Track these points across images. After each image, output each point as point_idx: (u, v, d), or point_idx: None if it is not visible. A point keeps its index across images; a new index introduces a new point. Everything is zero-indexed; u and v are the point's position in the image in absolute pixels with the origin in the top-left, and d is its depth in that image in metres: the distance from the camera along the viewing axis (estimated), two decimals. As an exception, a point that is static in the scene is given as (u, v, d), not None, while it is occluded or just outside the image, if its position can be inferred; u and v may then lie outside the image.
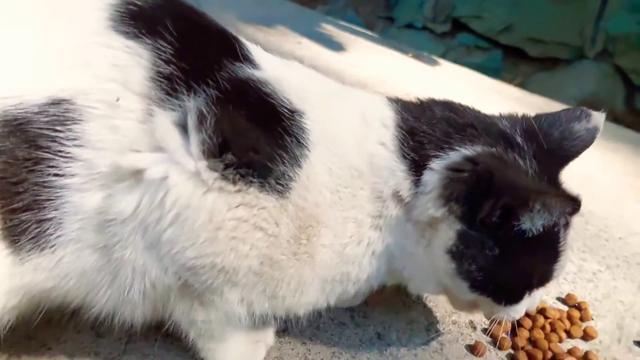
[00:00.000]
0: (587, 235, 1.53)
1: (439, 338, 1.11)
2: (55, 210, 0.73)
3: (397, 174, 0.87)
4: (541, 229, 0.84)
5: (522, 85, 4.12)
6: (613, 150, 2.17)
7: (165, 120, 0.76)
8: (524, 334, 1.13)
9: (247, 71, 0.83)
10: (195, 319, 0.88)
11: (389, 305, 1.15)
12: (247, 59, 0.85)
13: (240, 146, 0.76)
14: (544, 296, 1.26)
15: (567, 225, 0.90)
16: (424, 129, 0.89)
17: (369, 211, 0.87)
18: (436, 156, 0.87)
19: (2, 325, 0.81)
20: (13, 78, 0.73)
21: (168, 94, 0.77)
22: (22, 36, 0.75)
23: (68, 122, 0.73)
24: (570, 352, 1.11)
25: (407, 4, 4.90)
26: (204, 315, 0.87)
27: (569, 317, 1.20)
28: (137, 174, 0.75)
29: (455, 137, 0.88)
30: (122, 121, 0.75)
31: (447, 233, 0.87)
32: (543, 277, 0.93)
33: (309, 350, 1.03)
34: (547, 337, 1.13)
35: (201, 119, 0.75)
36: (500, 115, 0.97)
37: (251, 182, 0.77)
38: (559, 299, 1.28)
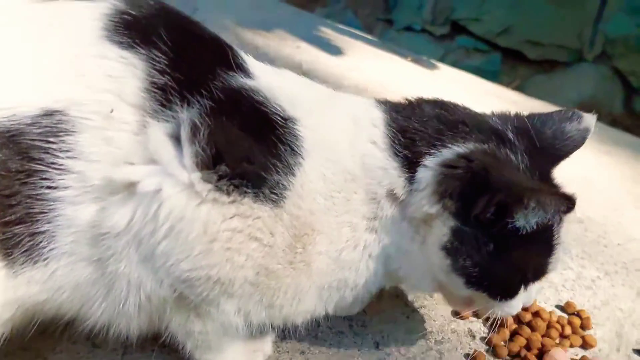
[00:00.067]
0: (585, 241, 1.52)
1: (438, 347, 1.10)
2: (49, 223, 0.73)
3: (390, 172, 0.87)
4: (535, 227, 0.84)
5: (521, 87, 4.13)
6: (610, 154, 2.17)
7: (158, 132, 0.75)
8: (520, 341, 1.13)
9: (240, 80, 0.82)
10: (192, 330, 0.87)
11: (387, 314, 1.15)
12: (240, 68, 0.85)
13: (233, 157, 0.76)
14: (543, 304, 1.26)
15: (561, 220, 0.91)
16: (414, 126, 0.90)
17: (364, 214, 0.87)
18: (429, 153, 0.87)
19: None
20: (6, 89, 0.72)
21: (162, 104, 0.76)
22: (15, 47, 0.75)
23: (61, 134, 0.72)
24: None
25: (406, 7, 4.90)
26: (201, 326, 0.87)
27: (570, 324, 1.19)
28: (130, 187, 0.75)
29: (447, 134, 0.88)
30: (116, 133, 0.74)
31: (441, 229, 0.87)
32: (538, 271, 0.93)
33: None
34: (542, 342, 1.13)
35: (194, 130, 0.74)
36: (492, 113, 0.98)
37: (245, 192, 0.77)
38: (558, 306, 1.27)
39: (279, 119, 0.81)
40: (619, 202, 1.80)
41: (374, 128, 0.90)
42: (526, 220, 0.82)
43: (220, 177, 0.75)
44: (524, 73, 4.43)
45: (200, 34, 0.87)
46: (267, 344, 1.01)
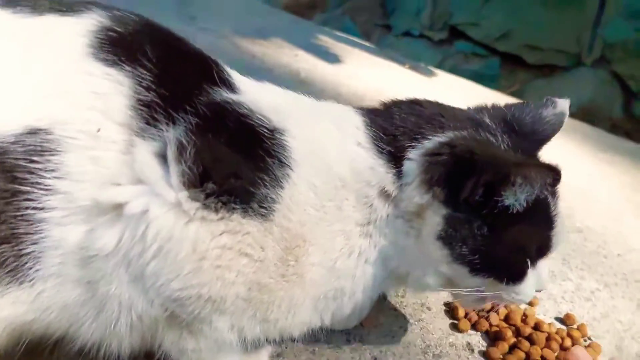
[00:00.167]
0: (585, 252, 1.52)
1: (436, 361, 1.10)
2: (34, 244, 0.71)
3: (377, 170, 0.87)
4: (525, 204, 0.84)
5: (520, 92, 4.13)
6: (610, 163, 2.16)
7: (144, 152, 0.74)
8: (519, 355, 1.12)
9: (224, 95, 0.82)
10: (185, 348, 0.87)
11: (385, 327, 1.14)
12: (225, 83, 0.84)
13: (220, 174, 0.75)
14: (542, 316, 1.25)
15: (554, 193, 0.91)
16: (393, 123, 0.91)
17: (357, 220, 0.87)
18: (412, 146, 0.88)
19: None
20: None
21: (147, 122, 0.75)
22: None
23: (46, 153, 0.71)
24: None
25: (404, 12, 4.91)
26: (194, 343, 0.86)
27: (569, 336, 1.18)
28: (117, 208, 0.74)
29: (426, 127, 0.90)
30: (103, 152, 0.73)
31: (434, 219, 0.86)
32: (542, 245, 0.92)
33: (304, 375, 1.02)
34: (542, 355, 1.12)
35: (181, 150, 0.74)
36: (470, 107, 1.00)
37: (233, 208, 0.76)
38: (557, 318, 1.27)
39: (266, 130, 0.81)
40: (619, 211, 1.79)
41: (356, 130, 0.90)
42: (515, 197, 0.83)
43: (208, 195, 0.75)
44: (523, 78, 4.43)
45: (186, 49, 0.86)
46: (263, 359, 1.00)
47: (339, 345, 1.08)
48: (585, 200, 1.77)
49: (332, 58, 2.65)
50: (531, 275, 0.92)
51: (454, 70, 3.81)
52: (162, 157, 0.75)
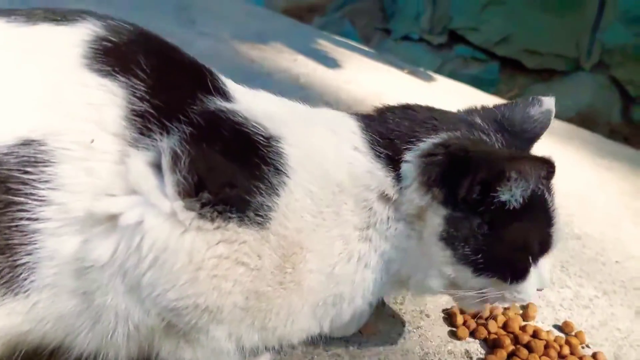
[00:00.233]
0: (584, 258, 1.52)
1: (435, 369, 1.10)
2: (29, 255, 0.71)
3: (376, 174, 0.87)
4: (521, 199, 0.85)
5: (519, 96, 4.13)
6: (608, 169, 2.16)
7: (138, 162, 0.74)
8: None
9: (219, 104, 0.82)
10: (183, 358, 0.86)
11: (383, 335, 1.14)
12: (219, 92, 0.84)
13: (216, 183, 0.75)
14: (541, 324, 1.25)
15: (550, 189, 0.92)
16: (388, 127, 0.91)
17: (355, 224, 0.87)
18: (407, 149, 0.88)
19: None
20: None
21: (142, 133, 0.75)
22: None
23: (39, 164, 0.70)
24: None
25: (403, 16, 4.92)
26: (191, 353, 0.86)
27: (568, 344, 1.18)
28: (112, 219, 0.73)
29: (420, 130, 0.91)
30: (97, 163, 0.73)
31: (435, 220, 0.87)
32: (542, 242, 0.92)
33: (303, 383, 1.02)
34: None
35: (175, 159, 0.73)
36: (461, 109, 1.02)
37: (229, 217, 0.76)
38: (555, 326, 1.27)
39: (261, 138, 0.81)
40: (618, 218, 1.79)
41: (353, 135, 0.91)
42: (511, 193, 0.84)
43: (204, 205, 0.74)
44: (522, 82, 4.44)
45: (180, 59, 0.86)
46: (263, 367, 1.00)
47: (337, 353, 1.08)
48: (584, 207, 1.77)
49: (331, 63, 2.65)
50: (533, 273, 0.93)
51: (454, 74, 3.82)
52: (157, 167, 0.75)
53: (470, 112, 1.00)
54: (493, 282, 0.91)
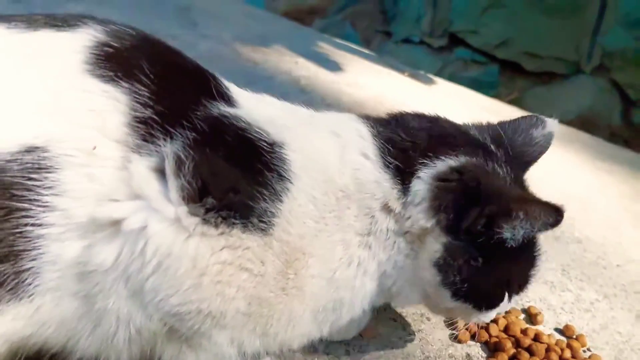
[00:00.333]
0: (585, 262, 1.52)
1: (436, 372, 1.10)
2: (33, 260, 0.71)
3: (383, 184, 0.87)
4: (521, 240, 0.85)
5: (519, 99, 4.14)
6: (609, 172, 2.16)
7: (142, 167, 0.74)
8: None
9: (222, 109, 0.82)
10: None
11: (384, 338, 1.14)
12: (223, 97, 0.84)
13: (220, 188, 0.75)
14: (542, 327, 1.25)
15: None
16: (402, 137, 0.90)
17: (357, 230, 0.87)
18: (424, 164, 0.87)
19: None
20: None
21: (145, 139, 0.75)
22: None
23: (42, 170, 0.71)
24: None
25: (404, 19, 4.92)
26: (193, 358, 0.86)
27: (569, 347, 1.18)
28: (115, 224, 0.73)
29: (439, 147, 0.89)
30: (100, 169, 0.73)
31: (434, 246, 0.87)
32: (522, 284, 0.96)
33: (304, 386, 1.02)
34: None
35: (179, 164, 0.73)
36: (471, 124, 1.00)
37: (233, 223, 0.76)
38: (556, 329, 1.27)
39: (265, 144, 0.81)
40: (618, 221, 1.79)
41: (362, 140, 0.90)
42: (514, 232, 0.84)
43: (208, 210, 0.74)
44: (522, 85, 4.44)
45: (182, 63, 0.86)
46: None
47: (338, 356, 1.08)
48: (584, 210, 1.77)
49: (332, 65, 2.65)
50: (502, 304, 0.96)
51: (454, 77, 3.82)
52: (160, 173, 0.75)
53: (483, 132, 0.97)
54: (466, 307, 0.94)
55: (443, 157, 0.88)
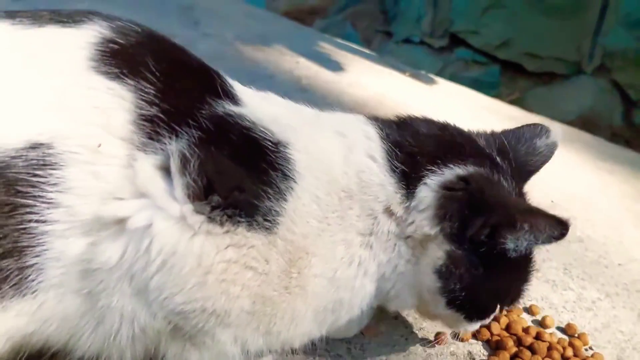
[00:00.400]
0: (586, 261, 1.51)
1: (437, 371, 1.09)
2: (37, 256, 0.71)
3: (387, 188, 0.87)
4: (524, 251, 0.86)
5: (520, 99, 4.14)
6: (610, 172, 2.16)
7: (147, 165, 0.74)
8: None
9: (227, 107, 0.82)
10: None
11: (385, 336, 1.13)
12: (228, 95, 0.84)
13: (225, 186, 0.75)
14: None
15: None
16: (411, 141, 0.90)
17: (359, 230, 0.87)
18: (432, 171, 0.87)
19: None
20: None
21: (150, 137, 0.75)
22: None
23: (47, 167, 0.70)
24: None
25: (405, 19, 4.92)
26: (197, 356, 0.85)
27: (571, 346, 1.18)
28: (120, 222, 0.73)
29: (447, 155, 0.89)
30: (104, 167, 0.73)
31: (437, 253, 0.88)
32: (515, 297, 0.97)
33: (305, 384, 1.02)
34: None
35: (184, 162, 0.73)
36: (477, 133, 1.00)
37: (239, 222, 0.76)
38: (558, 328, 1.26)
39: (269, 144, 0.81)
40: (620, 220, 1.79)
41: (369, 142, 0.90)
42: (517, 243, 0.84)
43: (213, 208, 0.74)
44: (523, 85, 4.44)
45: (188, 61, 0.86)
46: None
47: (339, 354, 1.08)
48: (586, 210, 1.77)
49: (333, 65, 2.65)
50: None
51: (454, 77, 3.82)
52: (165, 171, 0.75)
53: (489, 142, 0.97)
54: (457, 316, 0.95)
55: (451, 165, 0.88)
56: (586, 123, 3.79)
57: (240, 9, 3.37)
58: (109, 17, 0.83)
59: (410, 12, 4.89)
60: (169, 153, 0.74)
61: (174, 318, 0.78)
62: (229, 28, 2.81)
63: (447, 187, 0.86)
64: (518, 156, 0.97)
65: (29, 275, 0.72)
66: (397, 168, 0.88)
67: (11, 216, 0.70)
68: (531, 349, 1.15)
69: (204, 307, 0.77)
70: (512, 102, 3.54)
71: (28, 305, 0.74)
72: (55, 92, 0.73)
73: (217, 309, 0.77)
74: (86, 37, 0.78)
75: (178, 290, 0.75)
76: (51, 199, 0.71)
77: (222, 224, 0.75)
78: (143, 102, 0.76)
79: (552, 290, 1.37)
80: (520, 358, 1.13)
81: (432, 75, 2.98)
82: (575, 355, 1.16)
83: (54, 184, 0.71)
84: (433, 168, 0.87)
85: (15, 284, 0.71)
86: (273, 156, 0.80)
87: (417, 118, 0.98)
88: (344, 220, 0.85)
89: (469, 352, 1.14)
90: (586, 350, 1.21)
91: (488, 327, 1.18)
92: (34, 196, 0.70)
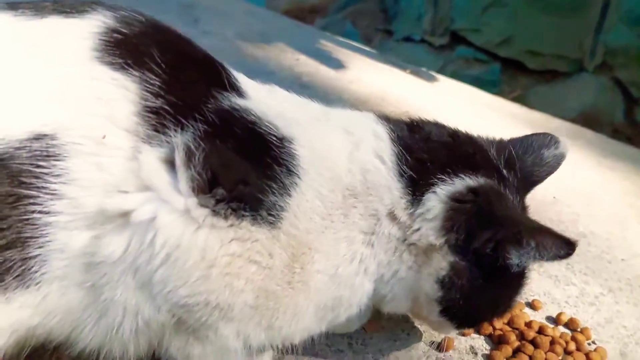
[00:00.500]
0: (589, 257, 1.51)
1: (439, 365, 1.09)
2: (40, 247, 0.71)
3: (393, 192, 0.86)
4: (523, 266, 0.87)
5: (522, 97, 4.12)
6: (612, 168, 2.15)
7: (151, 158, 0.74)
8: (523, 358, 1.11)
9: (233, 100, 0.81)
10: (192, 354, 0.86)
11: (387, 331, 1.13)
12: (234, 88, 0.83)
13: (229, 180, 0.75)
14: (546, 320, 1.24)
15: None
16: (421, 147, 0.90)
17: (361, 228, 0.86)
18: (442, 180, 0.87)
19: None
20: None
21: (156, 129, 0.75)
22: (1, 68, 0.72)
23: (50, 158, 0.70)
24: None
25: (405, 17, 4.91)
26: (200, 349, 0.85)
27: (574, 340, 1.17)
28: (124, 215, 0.73)
29: (458, 164, 0.89)
30: (109, 159, 0.72)
31: (441, 263, 0.87)
32: (507, 308, 0.99)
33: (307, 378, 1.01)
34: (547, 358, 1.12)
35: (189, 155, 0.73)
36: (488, 140, 0.99)
37: (243, 215, 0.75)
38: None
39: (274, 139, 0.80)
40: (622, 217, 1.78)
41: (379, 142, 0.89)
42: (521, 259, 0.84)
43: (218, 201, 0.74)
44: (525, 83, 4.43)
45: (193, 52, 0.86)
46: (267, 363, 1.00)
47: (341, 349, 1.08)
48: (588, 206, 1.76)
49: (333, 63, 2.64)
50: None
51: (455, 75, 3.81)
52: (169, 164, 0.74)
53: (498, 152, 0.96)
54: (449, 323, 0.95)
55: (462, 176, 0.87)
56: (588, 121, 3.78)
57: (240, 7, 3.37)
58: (113, 7, 0.83)
59: (410, 11, 4.89)
60: (174, 146, 0.74)
61: (178, 311, 0.78)
62: (229, 26, 2.80)
63: (456, 199, 0.86)
64: (524, 166, 0.97)
65: (32, 267, 0.71)
66: (405, 173, 0.87)
67: (15, 207, 0.69)
68: (534, 343, 1.14)
69: (207, 300, 0.76)
70: (514, 101, 3.53)
71: (32, 298, 0.73)
72: (59, 82, 0.73)
73: (220, 303, 0.77)
74: (90, 27, 0.78)
75: (182, 283, 0.75)
76: (55, 190, 0.70)
77: (226, 218, 0.75)
78: (148, 94, 0.75)
79: (554, 285, 1.37)
80: (523, 352, 1.12)
81: (433, 73, 2.98)
82: (578, 349, 1.16)
83: (58, 175, 0.70)
84: (443, 177, 0.87)
85: (18, 275, 0.71)
86: (278, 151, 0.79)
87: (428, 122, 0.97)
88: (348, 218, 0.85)
89: (471, 347, 1.14)
90: (589, 344, 1.20)
91: (491, 321, 1.17)
92: (38, 187, 0.70)
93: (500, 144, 0.99)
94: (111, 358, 0.83)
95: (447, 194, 0.86)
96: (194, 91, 0.79)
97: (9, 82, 0.72)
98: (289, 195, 0.79)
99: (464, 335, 1.15)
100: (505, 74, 4.47)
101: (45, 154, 0.70)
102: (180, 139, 0.74)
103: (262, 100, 0.86)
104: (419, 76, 2.82)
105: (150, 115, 0.75)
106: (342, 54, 2.84)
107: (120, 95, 0.74)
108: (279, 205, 0.78)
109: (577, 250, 1.23)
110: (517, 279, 0.93)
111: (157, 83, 0.76)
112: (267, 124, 0.80)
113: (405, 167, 0.87)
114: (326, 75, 2.45)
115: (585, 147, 2.28)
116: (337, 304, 0.88)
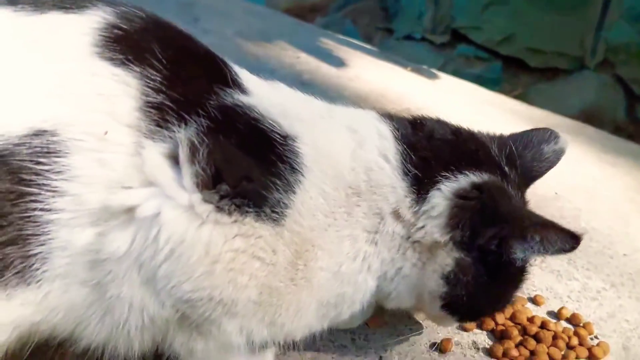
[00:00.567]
0: (591, 252, 1.51)
1: (442, 360, 1.09)
2: (42, 245, 0.70)
3: (398, 191, 0.86)
4: (527, 260, 0.87)
5: (523, 95, 4.12)
6: (613, 164, 2.15)
7: (154, 154, 0.73)
8: (524, 353, 1.11)
9: (236, 97, 0.81)
10: (195, 349, 0.86)
11: (390, 327, 1.14)
12: (236, 84, 0.83)
13: (233, 176, 0.75)
14: (548, 315, 1.24)
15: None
16: (425, 145, 0.90)
17: (365, 226, 0.86)
18: (446, 177, 0.87)
19: None
20: None
21: (158, 125, 0.74)
22: (1, 64, 0.72)
23: (51, 155, 0.69)
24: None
25: (406, 15, 4.91)
26: (203, 344, 0.85)
27: (576, 335, 1.17)
28: (129, 211, 0.73)
29: (462, 161, 0.89)
30: (111, 155, 0.72)
31: (446, 260, 0.88)
32: (507, 303, 0.99)
33: (310, 374, 1.01)
34: (549, 353, 1.12)
35: (193, 150, 0.73)
36: (489, 136, 0.99)
37: (247, 212, 0.75)
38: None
39: (278, 136, 0.80)
40: (624, 212, 1.78)
41: (383, 140, 0.89)
42: (525, 253, 0.84)
43: (222, 197, 0.74)
44: (526, 81, 4.42)
45: (194, 48, 0.85)
46: (269, 358, 0.99)
47: (344, 345, 1.08)
48: (590, 201, 1.76)
49: (334, 60, 2.64)
50: None
51: (456, 73, 3.80)
52: (173, 159, 0.74)
53: (500, 148, 0.96)
54: (450, 317, 0.96)
55: (466, 172, 0.88)
56: (589, 118, 3.77)
57: (240, 6, 3.37)
58: (113, 3, 0.82)
59: (411, 9, 4.88)
60: (178, 141, 0.74)
61: (182, 306, 0.78)
62: (229, 24, 2.81)
63: (461, 196, 0.86)
64: (524, 162, 0.97)
65: (33, 264, 0.71)
66: (410, 172, 0.87)
67: (15, 204, 0.69)
68: (536, 338, 1.14)
69: (211, 296, 0.76)
70: (515, 98, 3.53)
71: (33, 295, 0.73)
72: (59, 78, 0.72)
73: (224, 298, 0.77)
74: (90, 22, 0.78)
75: (186, 279, 0.75)
76: (56, 187, 0.70)
77: (230, 214, 0.75)
78: (149, 89, 0.75)
79: (557, 280, 1.37)
80: (525, 347, 1.12)
81: (434, 70, 2.98)
82: (580, 344, 1.16)
83: (59, 172, 0.70)
84: (447, 174, 0.87)
85: (18, 272, 0.70)
86: (281, 149, 0.79)
87: (430, 119, 0.97)
88: (351, 217, 0.85)
89: (474, 342, 1.14)
90: (591, 339, 1.20)
91: (492, 316, 1.17)
92: (39, 184, 0.69)
93: (501, 140, 0.99)
94: (115, 354, 0.83)
95: (451, 191, 0.86)
96: (195, 87, 0.79)
97: (8, 78, 0.71)
98: (293, 192, 0.79)
99: (466, 330, 1.15)
100: (506, 72, 4.46)
101: (45, 150, 0.69)
102: (183, 135, 0.74)
103: (265, 96, 0.85)
104: (420, 73, 2.82)
105: (152, 110, 0.74)
106: (342, 51, 2.84)
107: (121, 91, 0.74)
108: (283, 202, 0.78)
109: (579, 246, 1.23)
110: (519, 274, 0.94)
111: (159, 79, 0.75)
112: (270, 121, 0.80)
113: (409, 165, 0.87)
114: (327, 73, 2.45)
115: (586, 143, 2.28)
116: (340, 301, 0.88)
